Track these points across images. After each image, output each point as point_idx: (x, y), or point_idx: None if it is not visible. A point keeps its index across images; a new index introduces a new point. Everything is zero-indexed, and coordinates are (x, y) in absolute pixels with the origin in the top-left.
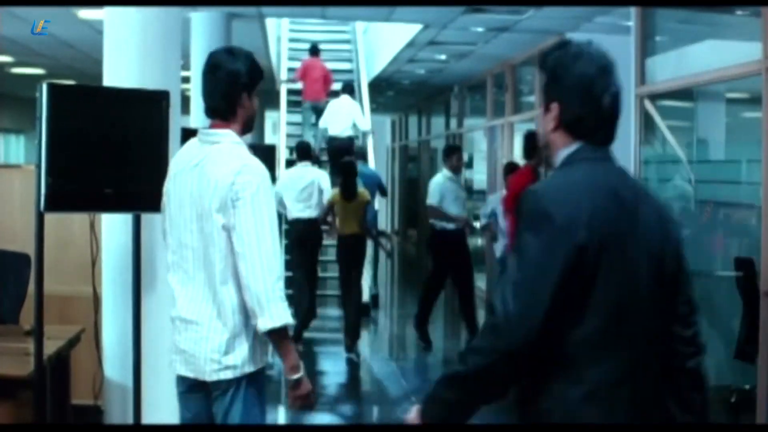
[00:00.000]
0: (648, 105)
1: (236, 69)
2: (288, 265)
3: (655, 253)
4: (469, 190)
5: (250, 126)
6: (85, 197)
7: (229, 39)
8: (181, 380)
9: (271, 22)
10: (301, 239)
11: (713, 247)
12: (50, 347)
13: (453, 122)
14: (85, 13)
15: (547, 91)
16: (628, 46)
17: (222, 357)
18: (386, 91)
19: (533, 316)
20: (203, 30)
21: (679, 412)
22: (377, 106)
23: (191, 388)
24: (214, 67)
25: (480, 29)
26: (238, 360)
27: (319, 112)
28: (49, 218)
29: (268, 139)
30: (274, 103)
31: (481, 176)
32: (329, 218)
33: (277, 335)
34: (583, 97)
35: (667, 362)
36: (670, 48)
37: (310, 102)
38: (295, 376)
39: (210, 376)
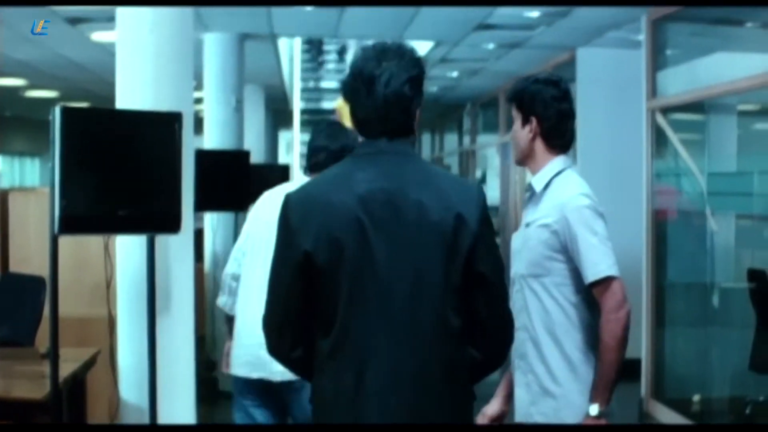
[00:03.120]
0: (659, 118)
1: None
2: None
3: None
4: None
5: None
6: (99, 219)
7: (242, 60)
8: (248, 386)
9: (283, 43)
10: None
11: (726, 259)
12: (66, 370)
13: (466, 139)
14: (98, 36)
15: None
16: (639, 60)
17: None
18: None
19: (273, 321)
20: (216, 51)
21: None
22: None
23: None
24: None
25: (491, 46)
26: None
27: None
28: (64, 241)
29: (282, 159)
30: (288, 123)
31: (495, 192)
32: None
33: None
34: None
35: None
36: (681, 61)
37: None
38: None
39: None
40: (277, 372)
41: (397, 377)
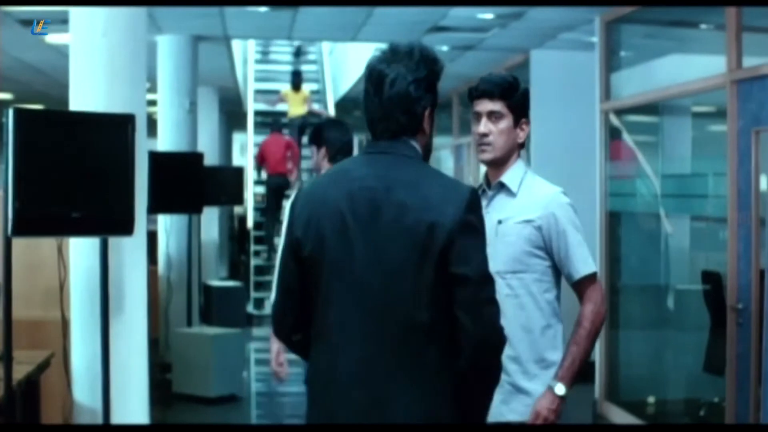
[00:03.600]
0: (613, 119)
1: None
2: None
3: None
4: None
5: None
6: (52, 221)
7: (196, 62)
8: None
9: (237, 44)
10: None
11: (680, 261)
12: (20, 372)
13: None
14: (53, 38)
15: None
16: (593, 62)
17: None
18: (353, 111)
19: (276, 305)
20: (169, 53)
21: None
22: None
23: None
24: None
25: (445, 48)
26: None
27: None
28: (17, 243)
29: (236, 161)
30: (241, 125)
31: None
32: None
33: None
34: None
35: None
36: (635, 63)
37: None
38: None
39: None
40: None
41: (366, 368)
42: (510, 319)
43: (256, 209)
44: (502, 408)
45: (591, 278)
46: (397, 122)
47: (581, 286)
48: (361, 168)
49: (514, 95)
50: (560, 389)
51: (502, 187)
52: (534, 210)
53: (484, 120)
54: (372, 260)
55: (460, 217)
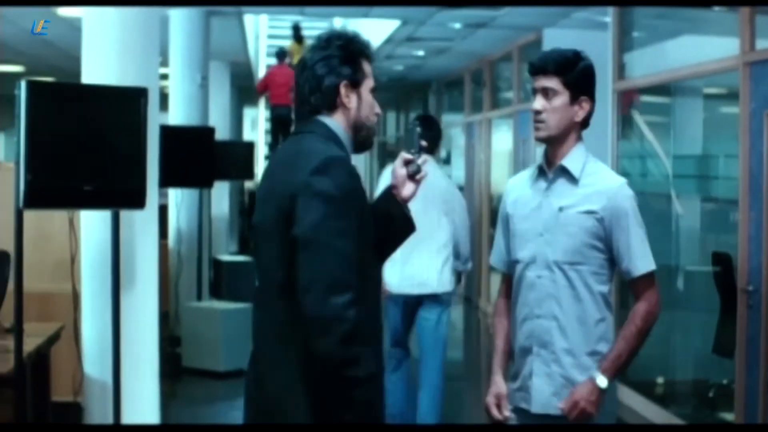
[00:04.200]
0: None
1: None
2: None
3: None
4: None
5: None
6: (64, 194)
7: (208, 36)
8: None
9: (249, 19)
10: None
11: (691, 242)
12: (30, 345)
13: None
14: (64, 11)
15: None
16: (606, 42)
17: None
18: None
19: None
20: (182, 27)
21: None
22: None
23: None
24: None
25: (457, 25)
26: None
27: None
28: (29, 215)
29: (247, 135)
30: (252, 100)
31: (459, 172)
32: None
33: None
34: None
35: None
36: (648, 43)
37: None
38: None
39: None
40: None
41: (254, 328)
42: (566, 311)
43: None
44: (552, 399)
45: (650, 276)
46: (309, 103)
47: (640, 283)
48: (281, 148)
49: (570, 71)
50: (602, 381)
51: (563, 171)
52: (598, 200)
53: (538, 96)
54: (262, 227)
55: (304, 179)
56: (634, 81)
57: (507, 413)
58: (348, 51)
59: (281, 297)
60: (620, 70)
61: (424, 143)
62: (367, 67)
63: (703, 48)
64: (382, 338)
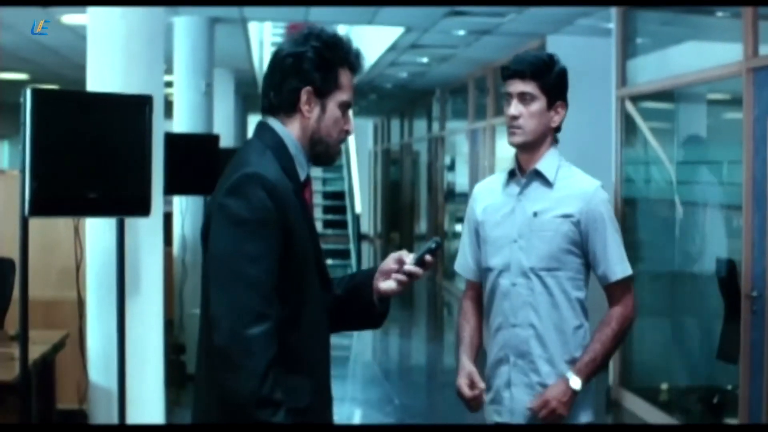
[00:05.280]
0: (629, 106)
1: None
2: None
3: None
4: (450, 192)
5: None
6: (69, 202)
7: (212, 43)
8: None
9: (253, 27)
10: None
11: (695, 248)
12: (35, 352)
13: (435, 125)
14: (69, 18)
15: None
16: (609, 48)
17: None
18: (369, 95)
19: None
20: (186, 35)
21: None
22: (359, 110)
23: None
24: None
25: (461, 32)
26: None
27: None
28: (34, 223)
29: None
30: (257, 108)
31: (463, 179)
32: None
33: None
34: None
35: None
36: (651, 50)
37: None
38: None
39: None
40: None
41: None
42: (544, 319)
43: None
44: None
45: (627, 281)
46: (268, 99)
47: (616, 288)
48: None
49: (547, 75)
50: (575, 382)
51: (537, 175)
52: (573, 204)
53: (514, 101)
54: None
55: (219, 200)
56: (638, 87)
57: (481, 385)
58: (322, 56)
59: (206, 319)
60: (623, 77)
61: (428, 258)
62: (345, 78)
63: (707, 54)
64: (329, 365)
